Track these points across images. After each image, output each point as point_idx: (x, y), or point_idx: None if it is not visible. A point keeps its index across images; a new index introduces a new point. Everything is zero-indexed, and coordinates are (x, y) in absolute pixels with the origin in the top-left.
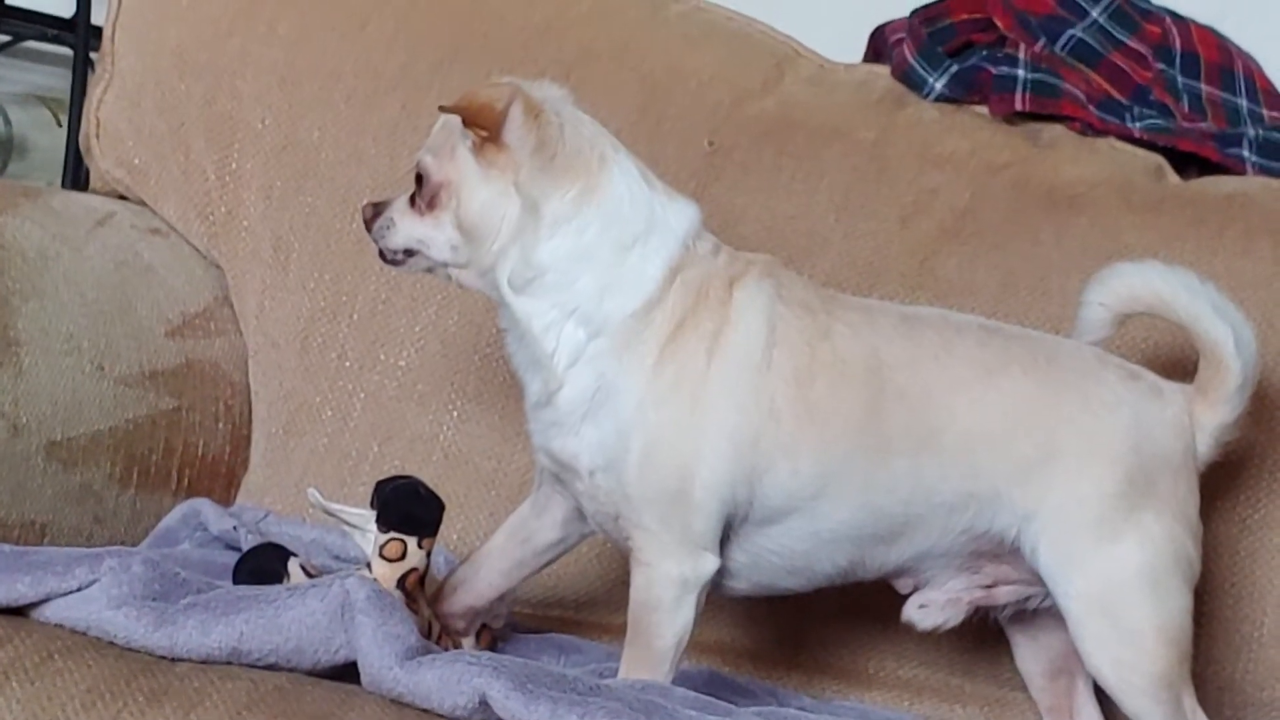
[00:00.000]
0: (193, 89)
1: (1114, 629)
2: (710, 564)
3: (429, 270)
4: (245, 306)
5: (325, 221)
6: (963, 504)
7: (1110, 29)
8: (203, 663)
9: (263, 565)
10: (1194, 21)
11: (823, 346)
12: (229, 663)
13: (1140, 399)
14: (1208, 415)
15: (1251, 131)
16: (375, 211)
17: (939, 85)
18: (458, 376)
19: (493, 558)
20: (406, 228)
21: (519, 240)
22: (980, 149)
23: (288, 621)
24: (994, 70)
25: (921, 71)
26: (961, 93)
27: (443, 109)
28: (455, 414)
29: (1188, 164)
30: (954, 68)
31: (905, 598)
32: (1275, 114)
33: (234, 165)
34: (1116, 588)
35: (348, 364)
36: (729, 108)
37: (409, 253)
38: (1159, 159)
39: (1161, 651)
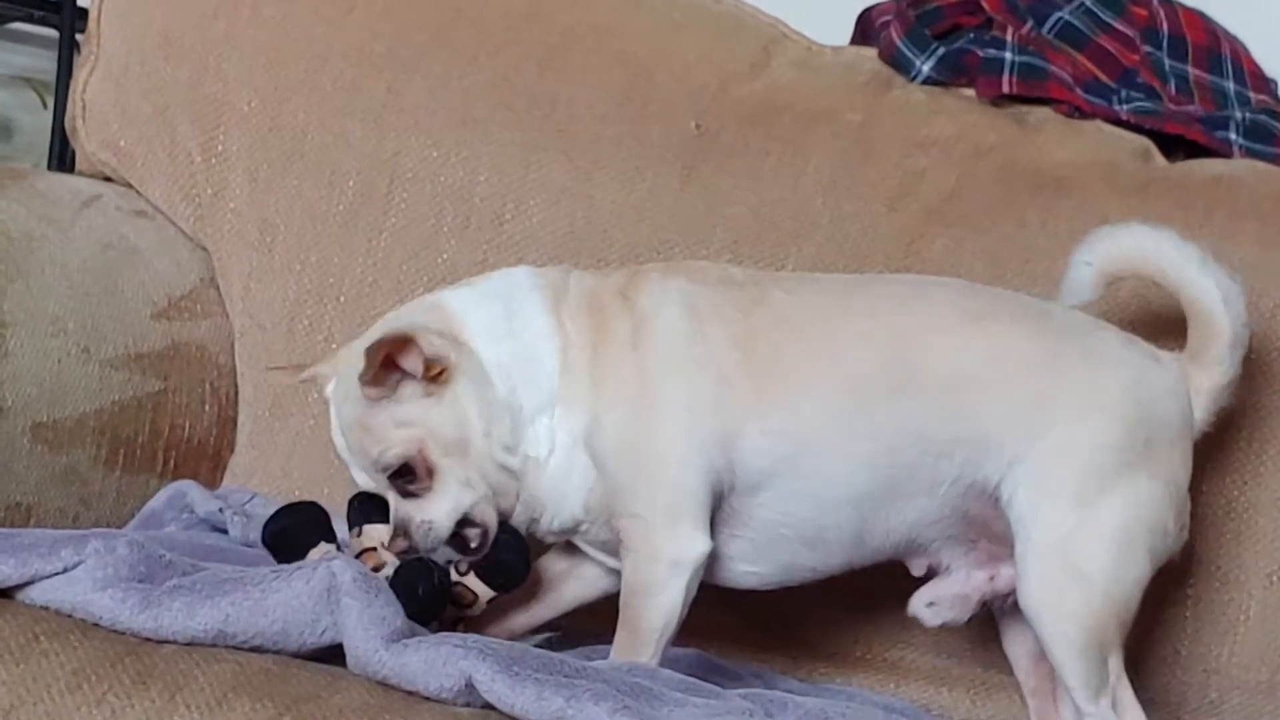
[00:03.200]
0: (178, 71)
1: (1067, 574)
2: (700, 544)
3: (485, 528)
4: (231, 289)
5: (311, 204)
6: (949, 449)
7: (1097, 12)
8: (188, 645)
9: (291, 538)
10: (1181, 4)
11: (758, 311)
12: (215, 645)
13: (1141, 360)
14: (1203, 379)
15: (1238, 114)
16: (403, 534)
17: (926, 68)
18: None
19: (553, 588)
20: (439, 508)
21: (489, 407)
22: (967, 131)
23: (273, 604)
24: (981, 53)
25: (909, 54)
26: (948, 75)
27: (369, 381)
28: None
29: (1174, 147)
30: (941, 50)
31: (904, 585)
32: (1262, 97)
33: (219, 147)
34: (1087, 536)
35: (334, 346)
36: (715, 91)
37: (467, 523)
38: (1146, 142)
39: (1104, 610)
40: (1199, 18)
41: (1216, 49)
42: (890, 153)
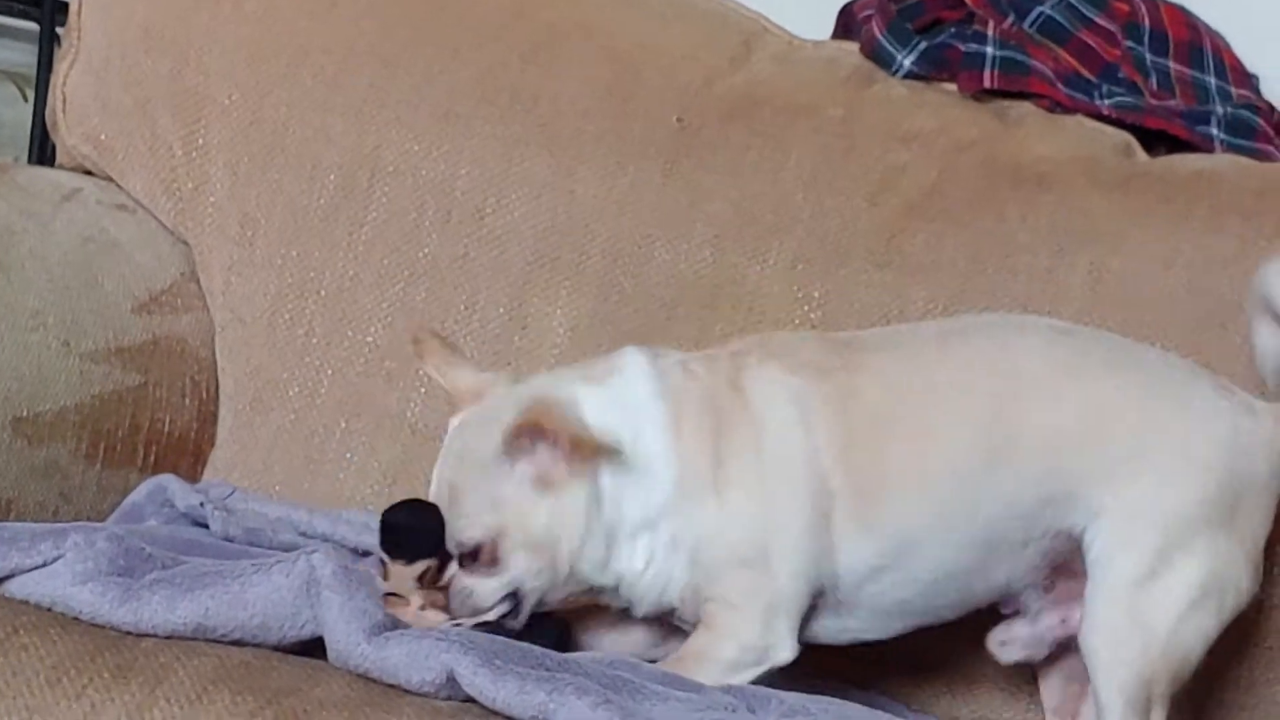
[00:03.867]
0: (159, 65)
1: (1131, 622)
2: (787, 651)
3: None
4: (212, 283)
5: (292, 198)
6: (1041, 509)
7: (1079, 6)
8: (168, 638)
9: (409, 537)
10: None
11: (853, 405)
12: (194, 638)
13: (1237, 414)
14: None
15: (1220, 109)
16: (441, 592)
17: (907, 62)
18: None
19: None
20: (490, 585)
21: (590, 529)
22: (948, 126)
23: (253, 598)
24: (962, 47)
25: (890, 48)
26: (930, 70)
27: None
28: (423, 390)
29: (1156, 142)
30: (923, 45)
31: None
32: (1243, 92)
33: (200, 141)
34: (1159, 588)
35: (315, 340)
36: (698, 85)
37: (514, 598)
38: (1127, 136)
39: (1161, 664)
40: (1180, 13)
41: (1198, 44)
42: (871, 147)
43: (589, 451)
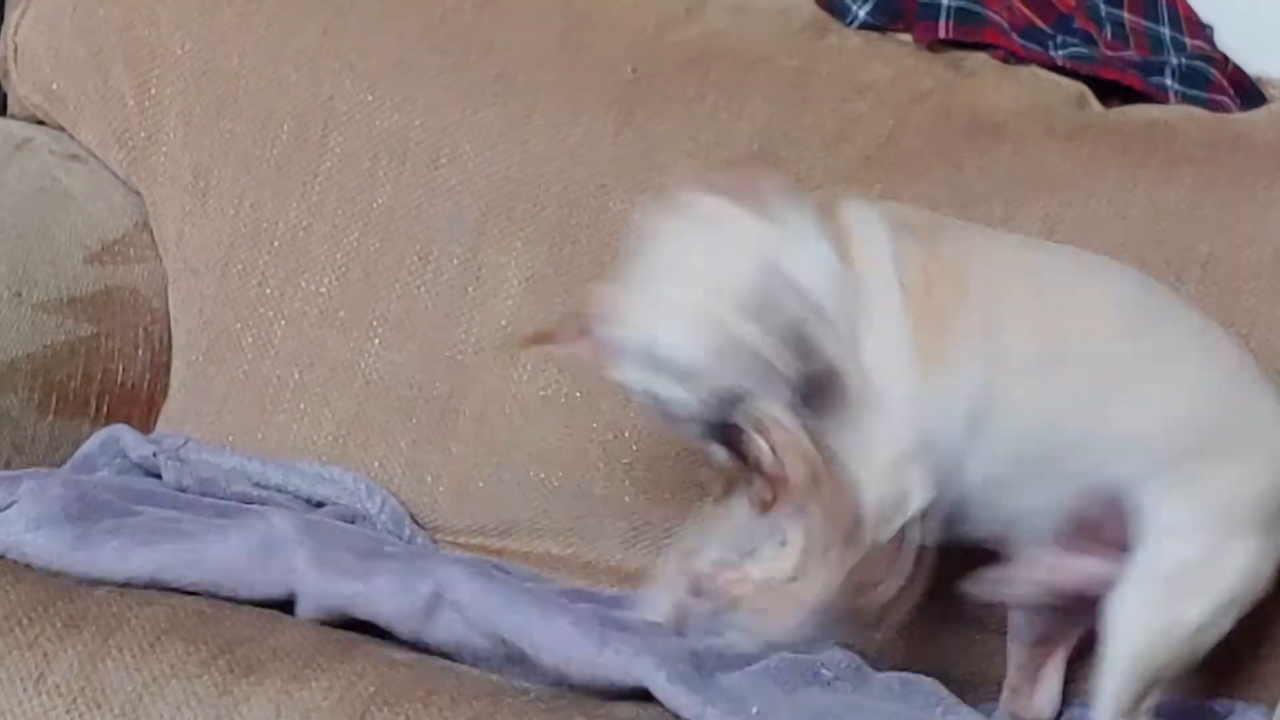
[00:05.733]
0: (111, 14)
1: (1165, 605)
2: (918, 496)
3: None
4: (164, 233)
5: (245, 148)
6: (1084, 442)
7: None
8: (122, 586)
9: None
10: None
11: (932, 265)
12: (148, 587)
13: None
14: None
15: (1174, 60)
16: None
17: (862, 13)
18: (380, 303)
19: None
20: None
21: None
22: (903, 77)
23: (208, 558)
24: None
25: None
26: (885, 20)
27: None
28: (377, 341)
29: (1110, 92)
30: None
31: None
32: (1197, 42)
33: (153, 91)
34: (1198, 581)
35: (268, 291)
36: (651, 35)
37: None
38: (1081, 87)
39: (1179, 651)
40: None
41: None
42: (826, 98)
43: None
